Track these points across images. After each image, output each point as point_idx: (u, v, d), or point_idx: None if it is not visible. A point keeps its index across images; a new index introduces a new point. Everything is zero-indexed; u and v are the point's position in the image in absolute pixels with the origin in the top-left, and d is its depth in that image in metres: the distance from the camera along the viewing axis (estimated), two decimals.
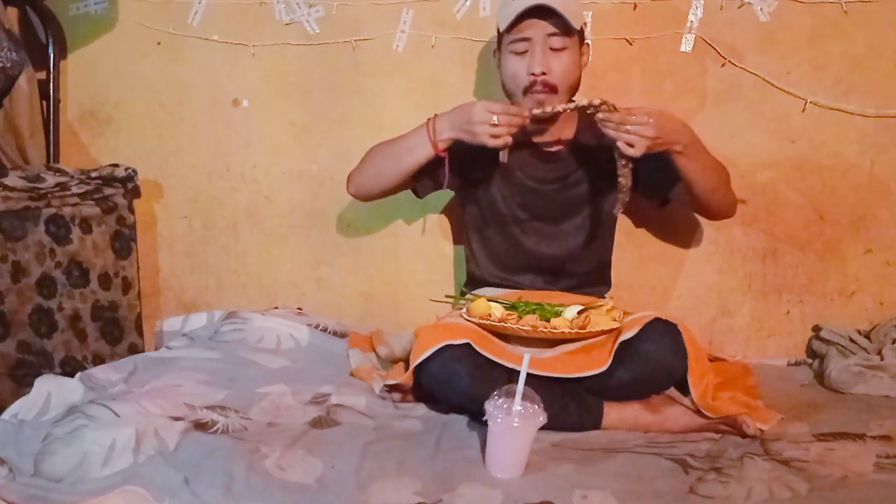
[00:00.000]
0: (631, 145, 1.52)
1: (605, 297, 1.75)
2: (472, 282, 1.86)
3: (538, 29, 1.64)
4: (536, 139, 1.76)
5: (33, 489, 1.18)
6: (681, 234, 1.99)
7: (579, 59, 1.71)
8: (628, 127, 1.52)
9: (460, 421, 1.48)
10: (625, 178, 1.61)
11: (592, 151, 1.72)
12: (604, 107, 1.54)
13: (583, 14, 1.75)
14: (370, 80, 2.02)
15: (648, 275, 2.01)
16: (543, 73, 1.63)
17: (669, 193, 1.76)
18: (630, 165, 1.59)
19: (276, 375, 1.63)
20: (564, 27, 1.63)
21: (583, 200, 1.77)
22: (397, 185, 1.75)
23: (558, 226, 1.78)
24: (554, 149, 1.76)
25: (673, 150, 1.58)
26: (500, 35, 1.71)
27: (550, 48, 1.65)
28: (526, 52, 1.65)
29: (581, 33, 1.71)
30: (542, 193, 1.76)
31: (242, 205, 2.11)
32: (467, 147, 1.65)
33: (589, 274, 1.81)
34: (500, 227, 1.80)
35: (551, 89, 1.64)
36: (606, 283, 1.86)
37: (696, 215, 1.92)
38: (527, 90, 1.66)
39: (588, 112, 1.58)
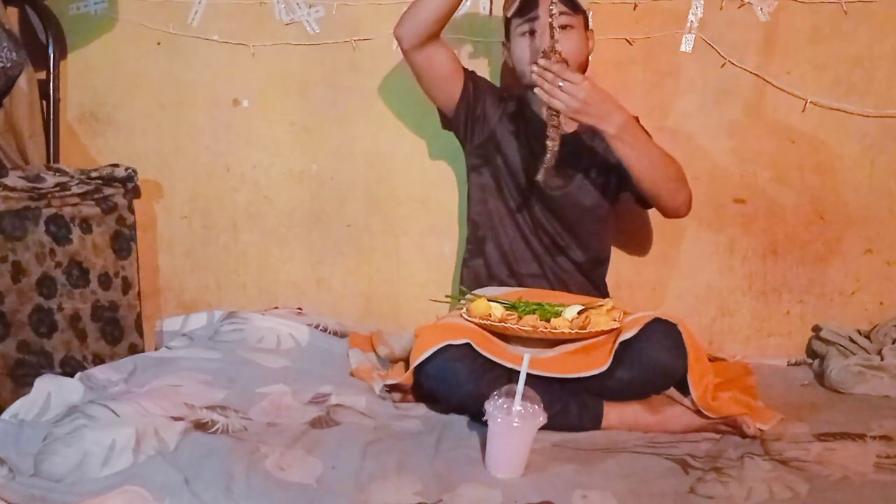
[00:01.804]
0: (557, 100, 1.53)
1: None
2: (473, 279, 1.86)
3: (545, 8, 1.64)
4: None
5: (33, 489, 1.18)
6: (681, 234, 1.99)
7: (586, 40, 1.73)
8: (561, 83, 1.53)
9: (460, 421, 1.48)
10: (552, 142, 1.57)
11: (592, 145, 1.74)
12: (555, 55, 1.54)
13: None
14: (370, 80, 2.02)
15: (648, 275, 2.02)
16: (549, 51, 1.63)
17: (630, 187, 1.75)
18: (561, 130, 1.58)
19: (276, 375, 1.63)
20: (571, 4, 1.65)
21: (576, 192, 1.77)
22: (448, 9, 1.68)
23: (557, 211, 1.79)
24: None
25: (606, 133, 1.58)
26: (508, 23, 1.74)
27: (559, 26, 1.64)
28: (534, 31, 1.67)
29: (585, 16, 1.73)
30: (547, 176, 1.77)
31: (242, 205, 2.11)
32: (497, 100, 1.79)
33: (582, 266, 1.82)
34: (514, 190, 1.80)
35: (562, 62, 1.65)
36: (600, 285, 1.86)
37: (698, 216, 1.92)
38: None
39: (545, 51, 1.57)
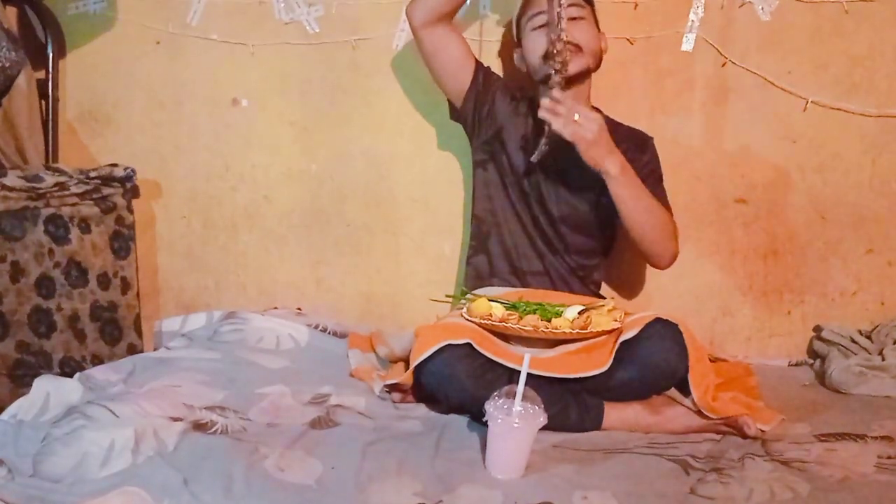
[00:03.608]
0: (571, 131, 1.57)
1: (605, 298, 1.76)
2: (476, 276, 1.85)
3: (552, 1, 1.64)
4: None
5: (32, 490, 1.18)
6: (682, 234, 1.97)
7: (598, 31, 1.73)
8: (576, 116, 1.55)
9: (460, 421, 1.48)
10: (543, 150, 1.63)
11: None
12: (561, 44, 1.57)
13: None
14: (370, 80, 2.01)
15: (649, 275, 2.01)
16: (560, 41, 1.63)
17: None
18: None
19: (276, 376, 1.63)
20: None
21: (582, 198, 1.77)
22: None
23: (559, 214, 1.79)
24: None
25: (608, 173, 1.60)
26: (518, 22, 1.75)
27: (569, 18, 1.65)
28: (545, 25, 1.67)
29: (594, 10, 1.75)
30: (550, 181, 1.77)
31: (242, 205, 2.11)
32: (508, 97, 1.79)
33: (578, 270, 1.82)
34: (518, 189, 1.80)
35: (575, 48, 1.65)
36: (596, 285, 1.86)
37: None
38: (548, 56, 1.66)
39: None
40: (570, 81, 1.67)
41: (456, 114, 1.85)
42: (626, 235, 1.72)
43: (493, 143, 1.82)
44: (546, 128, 1.61)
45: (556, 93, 1.58)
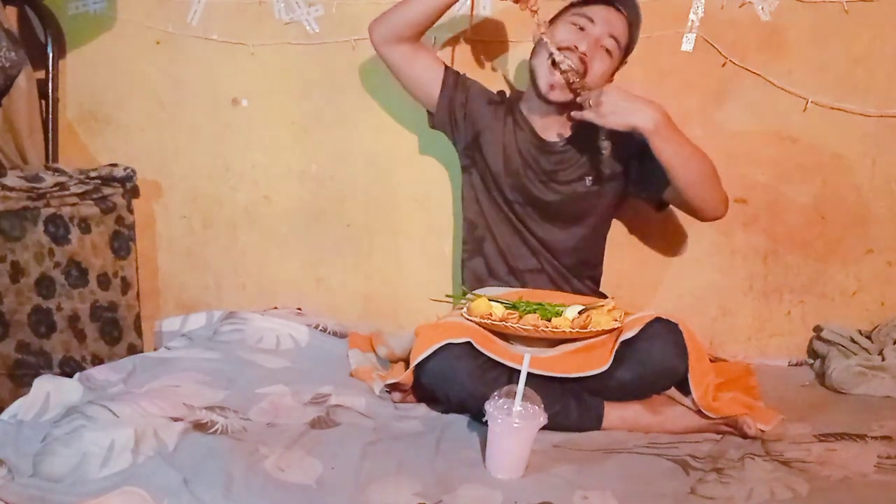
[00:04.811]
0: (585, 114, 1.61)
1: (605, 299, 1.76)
2: (474, 278, 1.85)
3: (605, 21, 1.67)
4: (538, 128, 1.78)
5: (32, 490, 1.18)
6: (682, 233, 1.99)
7: (611, 72, 1.74)
8: (590, 101, 1.59)
9: (460, 421, 1.48)
10: (606, 150, 1.65)
11: (587, 153, 1.73)
12: (575, 58, 1.64)
13: (636, 41, 1.76)
14: (370, 80, 2.02)
15: (649, 275, 2.01)
16: (584, 54, 1.65)
17: (662, 194, 1.75)
18: (607, 139, 1.65)
19: (276, 376, 1.63)
20: (624, 35, 1.69)
21: (569, 201, 1.77)
22: (424, 20, 1.72)
23: (545, 217, 1.79)
24: (551, 140, 1.77)
25: (645, 130, 1.57)
26: (566, 9, 1.75)
27: (601, 45, 1.67)
28: (583, 29, 1.68)
29: (623, 62, 1.76)
30: (533, 185, 1.77)
31: (242, 204, 2.11)
32: (485, 101, 1.80)
33: (572, 269, 1.82)
34: (499, 193, 1.80)
35: (585, 67, 1.66)
36: (593, 281, 1.86)
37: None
38: (556, 59, 1.67)
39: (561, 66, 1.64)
40: (560, 105, 1.71)
41: (433, 120, 1.85)
42: (678, 190, 1.66)
43: (472, 149, 1.82)
44: (600, 150, 1.66)
45: (579, 99, 1.63)
